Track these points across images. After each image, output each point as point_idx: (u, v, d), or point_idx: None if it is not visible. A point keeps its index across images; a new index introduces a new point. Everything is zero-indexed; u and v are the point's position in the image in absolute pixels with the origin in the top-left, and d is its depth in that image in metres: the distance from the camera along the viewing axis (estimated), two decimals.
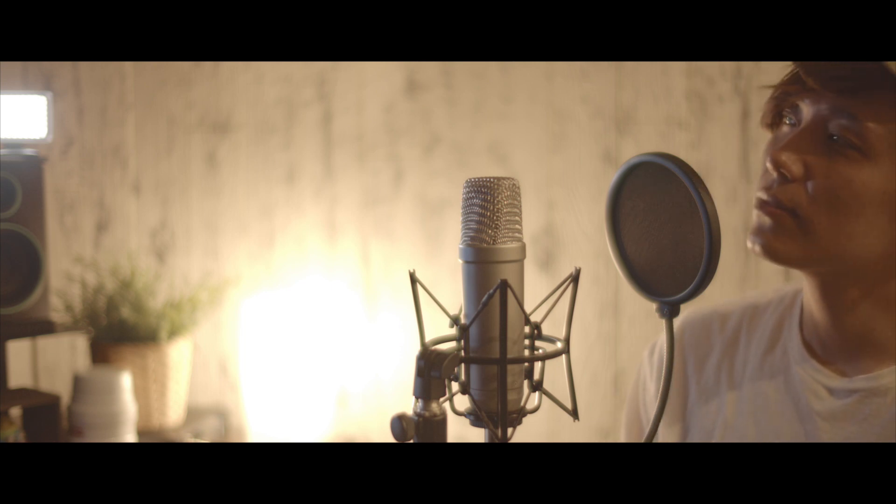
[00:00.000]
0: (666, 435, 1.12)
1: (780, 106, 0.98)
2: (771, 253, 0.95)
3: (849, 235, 0.93)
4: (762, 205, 0.96)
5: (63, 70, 2.35)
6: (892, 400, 0.95)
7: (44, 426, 1.79)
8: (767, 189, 0.95)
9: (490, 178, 0.76)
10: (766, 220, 0.95)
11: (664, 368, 0.84)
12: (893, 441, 0.94)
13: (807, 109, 0.95)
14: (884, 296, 0.97)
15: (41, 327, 1.83)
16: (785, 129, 0.98)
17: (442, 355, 0.72)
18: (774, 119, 1.00)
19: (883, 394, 0.96)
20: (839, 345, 1.00)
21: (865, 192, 0.91)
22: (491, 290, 0.74)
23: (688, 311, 1.15)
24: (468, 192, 0.77)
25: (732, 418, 1.06)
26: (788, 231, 0.94)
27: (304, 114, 2.35)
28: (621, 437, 1.23)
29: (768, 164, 0.95)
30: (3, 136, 1.79)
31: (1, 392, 1.81)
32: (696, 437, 1.09)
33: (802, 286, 1.05)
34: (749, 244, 0.97)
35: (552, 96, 2.10)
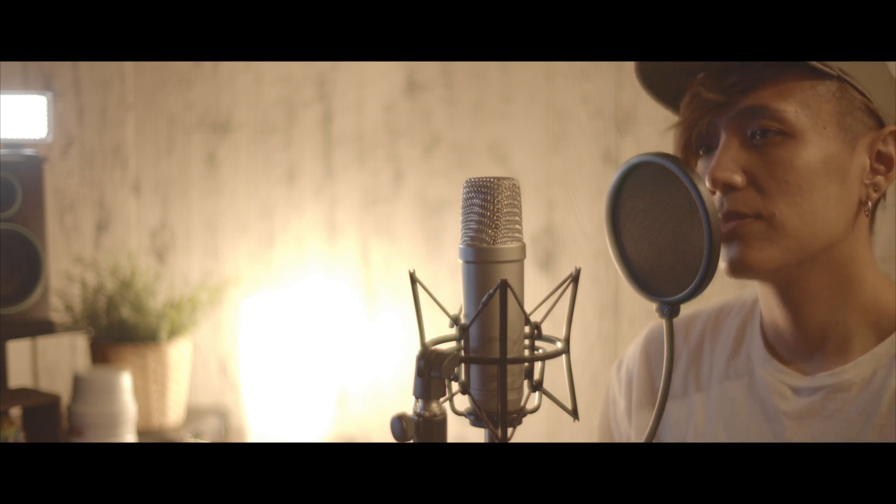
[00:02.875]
0: None
1: (690, 135, 0.99)
2: (747, 264, 0.95)
3: (812, 214, 0.94)
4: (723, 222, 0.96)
5: (63, 70, 2.35)
6: (856, 395, 0.97)
7: (44, 426, 1.79)
8: (719, 209, 0.95)
9: (490, 178, 0.76)
10: (733, 234, 0.95)
11: (664, 369, 0.84)
12: (859, 435, 0.95)
13: (720, 128, 0.97)
14: (838, 288, 0.98)
15: (41, 327, 1.83)
16: (703, 161, 0.99)
17: (442, 355, 0.72)
18: (686, 155, 1.01)
19: (846, 389, 0.97)
20: (801, 343, 1.02)
21: (808, 167, 0.93)
22: (491, 290, 0.74)
23: (651, 325, 1.18)
24: (468, 192, 0.77)
25: (703, 424, 1.07)
26: (759, 234, 0.94)
27: (304, 114, 2.35)
28: None
29: (709, 187, 0.95)
30: (3, 136, 1.79)
31: (1, 392, 1.81)
32: None
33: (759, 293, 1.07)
34: (721, 265, 0.97)
35: (552, 96, 2.10)
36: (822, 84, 0.93)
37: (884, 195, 0.99)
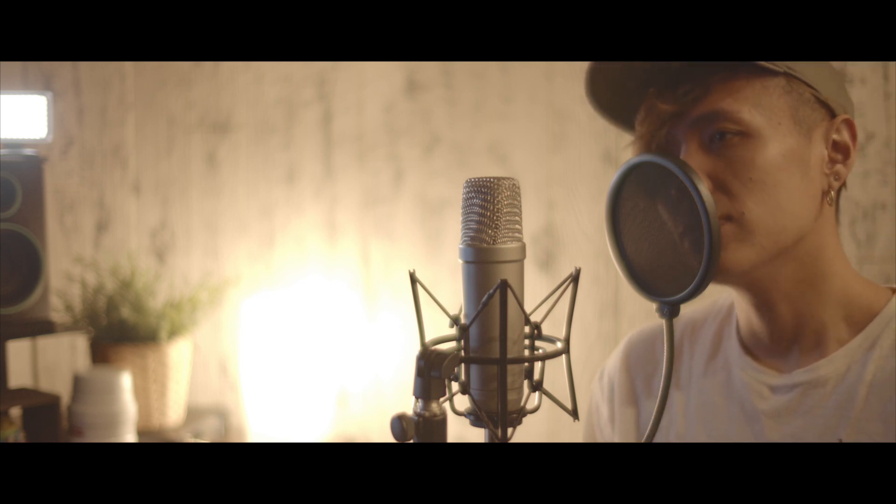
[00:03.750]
0: None
1: (650, 148, 1.00)
2: (724, 267, 0.96)
3: (779, 208, 0.95)
4: None
5: (63, 70, 2.35)
6: (831, 390, 0.98)
7: (44, 426, 1.79)
8: None
9: (490, 178, 0.76)
10: None
11: (664, 368, 0.85)
12: (837, 430, 0.96)
13: (679, 137, 0.98)
14: (809, 282, 0.99)
15: (41, 327, 1.83)
16: None
17: (442, 355, 0.72)
18: None
19: (822, 384, 0.98)
20: (776, 342, 1.03)
21: (770, 163, 0.94)
22: (491, 290, 0.74)
23: (630, 333, 1.19)
24: (468, 192, 0.77)
25: (684, 428, 1.08)
26: (732, 236, 0.95)
27: (304, 114, 2.35)
28: None
29: None
30: (3, 136, 1.79)
31: (1, 392, 1.81)
32: None
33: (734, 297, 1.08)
34: None
35: (552, 96, 2.10)
36: (770, 81, 0.95)
37: (845, 183, 1.01)
